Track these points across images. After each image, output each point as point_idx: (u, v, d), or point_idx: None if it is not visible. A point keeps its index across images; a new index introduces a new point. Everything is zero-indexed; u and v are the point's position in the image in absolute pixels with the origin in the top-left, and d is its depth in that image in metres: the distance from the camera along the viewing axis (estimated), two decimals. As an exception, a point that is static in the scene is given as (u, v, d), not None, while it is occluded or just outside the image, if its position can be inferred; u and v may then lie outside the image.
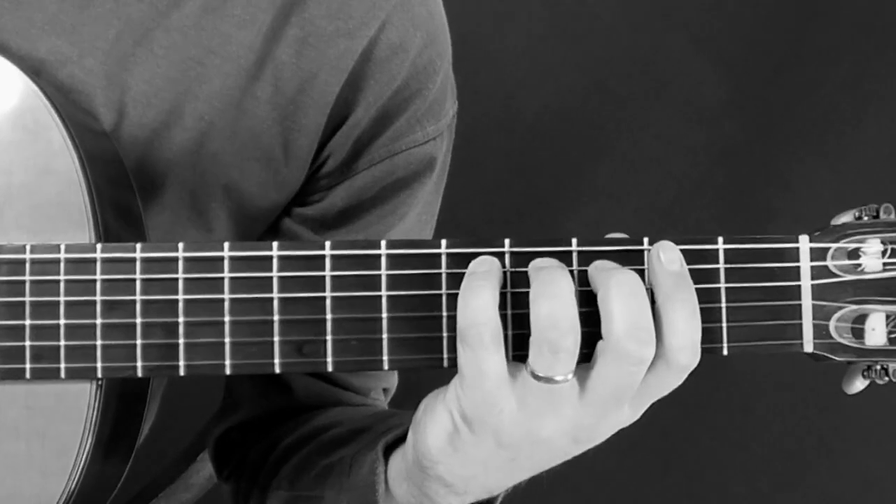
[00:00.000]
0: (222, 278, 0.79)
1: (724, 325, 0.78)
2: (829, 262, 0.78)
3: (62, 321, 0.79)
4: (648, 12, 2.16)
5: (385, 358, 0.78)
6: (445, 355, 0.78)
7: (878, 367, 0.78)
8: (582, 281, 0.77)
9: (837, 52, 2.15)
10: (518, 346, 0.76)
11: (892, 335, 0.78)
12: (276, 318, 0.78)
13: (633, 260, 0.77)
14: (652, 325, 0.74)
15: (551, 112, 2.13)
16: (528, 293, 0.75)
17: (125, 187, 0.88)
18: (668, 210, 2.12)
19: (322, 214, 1.00)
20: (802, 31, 2.16)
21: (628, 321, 0.74)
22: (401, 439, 0.87)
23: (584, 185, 2.12)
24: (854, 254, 0.78)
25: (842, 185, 2.10)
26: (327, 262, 0.78)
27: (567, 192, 2.13)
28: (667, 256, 0.76)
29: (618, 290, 0.74)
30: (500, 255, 0.77)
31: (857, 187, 2.10)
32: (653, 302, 0.76)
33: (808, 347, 0.78)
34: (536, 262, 0.76)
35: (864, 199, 2.18)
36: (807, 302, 0.78)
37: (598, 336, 0.75)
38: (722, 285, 0.78)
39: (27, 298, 0.80)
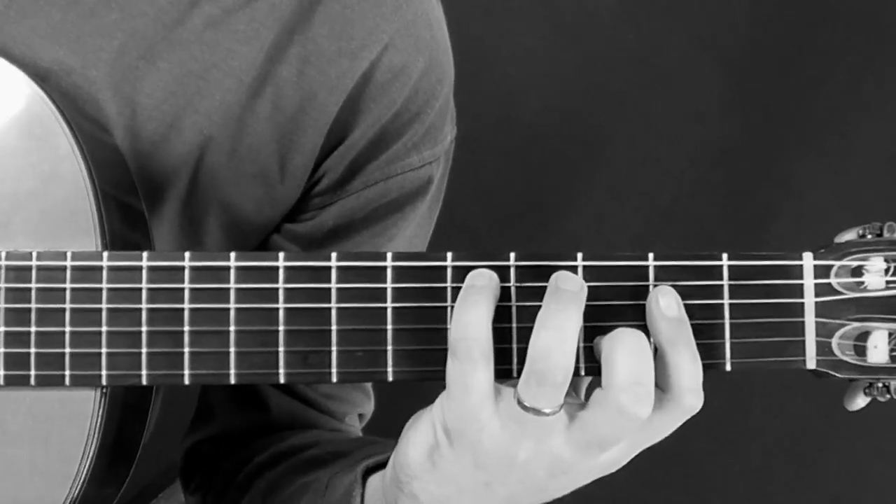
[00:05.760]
0: (228, 288, 0.79)
1: (728, 341, 0.78)
2: (833, 280, 0.78)
3: (67, 328, 0.79)
4: (648, 12, 2.16)
5: (390, 369, 0.78)
6: (450, 367, 0.78)
7: (880, 385, 0.78)
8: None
9: (837, 52, 2.15)
10: (522, 359, 0.76)
11: (894, 353, 0.78)
12: (281, 328, 0.78)
13: (637, 275, 0.78)
14: (653, 387, 0.74)
15: (551, 112, 2.13)
16: (533, 307, 0.75)
17: (131, 193, 0.88)
18: (668, 210, 2.12)
19: (311, 232, 1.00)
20: (802, 31, 2.16)
21: (630, 375, 0.73)
22: (381, 465, 0.86)
23: (584, 185, 2.13)
24: (857, 271, 0.78)
25: (841, 185, 2.11)
26: (333, 273, 0.78)
27: (567, 191, 2.13)
28: (665, 302, 0.76)
29: (623, 344, 0.74)
30: (506, 269, 0.77)
31: (856, 187, 2.10)
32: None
33: (811, 364, 0.78)
34: (560, 282, 0.75)
35: (863, 199, 2.17)
36: (810, 319, 0.78)
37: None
38: (726, 301, 0.78)
39: (33, 305, 0.80)
